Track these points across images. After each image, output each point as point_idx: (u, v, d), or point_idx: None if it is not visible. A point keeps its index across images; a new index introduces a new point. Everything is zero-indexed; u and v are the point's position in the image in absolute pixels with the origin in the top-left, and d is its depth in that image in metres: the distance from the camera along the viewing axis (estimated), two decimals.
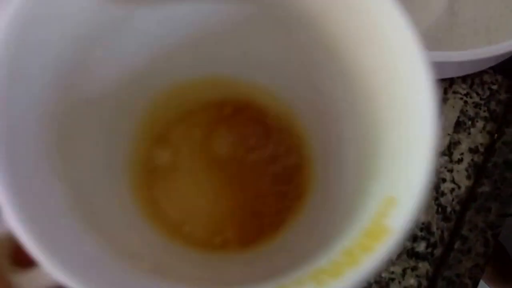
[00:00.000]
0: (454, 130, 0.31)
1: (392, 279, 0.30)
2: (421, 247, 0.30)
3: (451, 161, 0.31)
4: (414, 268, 0.30)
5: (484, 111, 0.31)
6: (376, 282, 0.30)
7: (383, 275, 0.30)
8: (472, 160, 0.31)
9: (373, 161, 0.13)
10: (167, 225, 0.18)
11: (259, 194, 0.19)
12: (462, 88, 0.32)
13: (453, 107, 0.32)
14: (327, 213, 0.16)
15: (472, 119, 0.31)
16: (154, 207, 0.19)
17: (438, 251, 0.30)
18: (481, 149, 0.31)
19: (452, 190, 0.31)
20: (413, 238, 0.30)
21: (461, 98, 0.32)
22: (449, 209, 0.30)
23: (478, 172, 0.31)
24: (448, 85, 0.32)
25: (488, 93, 0.32)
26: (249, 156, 0.20)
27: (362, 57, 0.14)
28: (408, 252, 0.30)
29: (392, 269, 0.30)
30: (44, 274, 0.11)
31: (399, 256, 0.30)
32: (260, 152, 0.20)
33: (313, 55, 0.15)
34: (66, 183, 0.13)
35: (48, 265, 0.11)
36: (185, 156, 0.20)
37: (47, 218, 0.12)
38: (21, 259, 0.12)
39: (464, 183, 0.31)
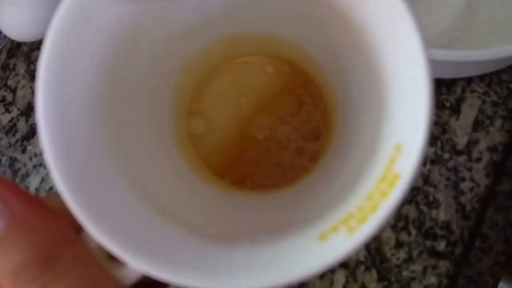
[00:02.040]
0: (472, 129, 0.32)
1: (413, 278, 0.30)
2: (441, 245, 0.30)
3: (470, 160, 0.31)
4: (434, 267, 0.30)
5: (503, 110, 0.32)
6: (397, 280, 0.30)
7: (403, 273, 0.30)
8: (491, 158, 0.31)
9: (384, 110, 0.14)
10: (208, 174, 0.20)
11: (285, 146, 0.20)
12: (480, 87, 0.32)
13: (472, 106, 0.32)
14: (347, 161, 0.17)
15: (490, 118, 0.32)
16: (195, 158, 0.20)
17: (458, 250, 0.30)
18: (500, 148, 0.31)
19: (472, 188, 0.31)
20: (434, 236, 0.30)
21: (479, 97, 0.32)
22: (468, 208, 0.30)
23: (497, 170, 0.31)
24: (466, 84, 0.32)
25: (506, 91, 0.32)
26: (281, 116, 0.21)
27: (372, 24, 0.15)
28: (428, 250, 0.30)
29: (412, 267, 0.30)
30: None
31: (419, 254, 0.30)
32: (290, 108, 0.21)
33: (334, 18, 0.16)
34: (116, 147, 0.14)
35: (90, 229, 0.12)
36: (219, 112, 0.21)
37: (95, 181, 0.13)
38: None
39: (483, 181, 0.31)
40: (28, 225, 0.11)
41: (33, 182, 0.37)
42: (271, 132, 0.21)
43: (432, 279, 0.30)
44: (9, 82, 0.40)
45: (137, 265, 0.11)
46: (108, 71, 0.15)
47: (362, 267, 0.31)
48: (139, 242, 0.12)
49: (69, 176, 0.12)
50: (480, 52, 0.28)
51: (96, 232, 0.11)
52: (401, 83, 0.14)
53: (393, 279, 0.30)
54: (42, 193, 0.37)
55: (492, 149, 0.31)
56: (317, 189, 0.18)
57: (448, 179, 0.31)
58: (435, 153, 0.31)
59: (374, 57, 0.15)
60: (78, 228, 0.12)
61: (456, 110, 0.32)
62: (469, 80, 0.32)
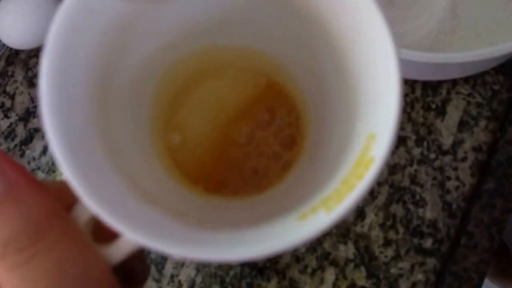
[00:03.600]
0: (457, 129, 0.32)
1: (401, 275, 0.31)
2: (428, 243, 0.31)
3: (455, 159, 0.32)
4: (422, 264, 0.31)
5: (487, 111, 0.32)
6: (385, 277, 0.31)
7: (392, 270, 0.31)
8: (476, 158, 0.32)
9: (357, 107, 0.16)
10: (184, 176, 0.21)
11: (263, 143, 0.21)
12: (465, 89, 0.33)
13: (457, 107, 0.33)
14: (326, 154, 0.18)
15: (475, 118, 0.32)
16: (172, 159, 0.21)
17: (444, 247, 0.31)
18: (485, 148, 0.32)
19: (457, 187, 0.32)
20: (421, 234, 0.31)
21: (464, 99, 0.33)
22: (454, 206, 0.31)
23: (482, 169, 0.32)
24: (451, 86, 0.33)
25: (490, 93, 0.33)
26: (256, 121, 0.22)
27: (343, 29, 0.16)
28: (415, 248, 0.31)
29: (400, 265, 0.31)
30: (125, 242, 0.13)
31: (407, 252, 0.31)
32: (263, 116, 0.22)
33: (309, 28, 0.17)
34: (102, 134, 0.15)
35: (87, 200, 0.12)
36: (196, 121, 0.22)
37: (89, 164, 0.14)
38: (101, 236, 0.13)
39: (469, 180, 0.32)
40: (20, 197, 0.12)
41: None
42: (247, 139, 0.22)
43: (420, 276, 0.31)
44: (8, 89, 0.41)
45: (131, 235, 0.12)
46: (98, 73, 0.16)
47: (351, 265, 0.31)
48: (130, 218, 0.13)
49: (70, 159, 0.13)
50: (464, 55, 0.29)
51: (93, 204, 0.12)
52: (374, 82, 0.14)
53: (381, 276, 0.31)
54: None
55: (477, 149, 0.32)
56: (292, 192, 0.19)
57: (434, 178, 0.32)
58: (422, 153, 0.32)
59: (348, 62, 0.16)
60: (67, 207, 0.13)
61: (441, 111, 0.33)
62: (454, 82, 0.33)
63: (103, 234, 0.13)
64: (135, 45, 0.18)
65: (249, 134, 0.22)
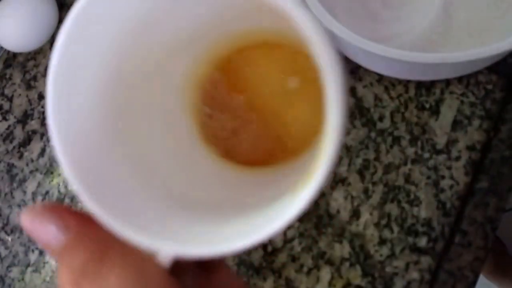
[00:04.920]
0: (451, 129, 0.33)
1: (396, 274, 0.31)
2: (422, 242, 0.31)
3: (449, 158, 0.32)
4: (416, 263, 0.31)
5: (480, 110, 0.33)
6: (380, 276, 0.31)
7: (387, 269, 0.31)
8: (469, 157, 0.32)
9: None
10: (215, 146, 0.22)
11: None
12: (458, 89, 0.33)
13: (450, 107, 0.33)
14: None
15: (468, 118, 0.33)
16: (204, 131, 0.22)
17: (439, 246, 0.31)
18: (478, 147, 0.32)
19: (451, 186, 0.32)
20: (415, 233, 0.31)
21: (458, 98, 0.33)
22: (448, 205, 0.32)
23: (475, 168, 0.32)
24: (445, 86, 0.33)
25: (483, 92, 0.33)
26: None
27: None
28: (410, 247, 0.31)
29: (395, 263, 0.31)
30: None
31: (402, 251, 0.31)
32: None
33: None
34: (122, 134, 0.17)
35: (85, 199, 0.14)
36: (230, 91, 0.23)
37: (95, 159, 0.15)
38: None
39: (463, 179, 0.32)
40: (85, 235, 0.15)
41: (30, 187, 0.38)
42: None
43: (415, 275, 0.31)
44: (6, 91, 0.41)
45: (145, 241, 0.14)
46: (116, 63, 0.16)
47: (347, 264, 0.32)
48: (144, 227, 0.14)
49: (74, 163, 0.14)
50: (457, 55, 0.29)
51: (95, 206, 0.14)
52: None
53: (376, 275, 0.31)
54: (39, 197, 0.38)
55: (470, 148, 0.32)
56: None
57: (428, 177, 0.32)
58: (416, 153, 0.33)
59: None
60: None
61: (435, 111, 0.33)
62: (447, 82, 0.33)
63: None
64: (155, 39, 0.18)
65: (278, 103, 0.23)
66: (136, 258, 0.15)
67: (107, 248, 0.15)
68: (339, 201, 0.33)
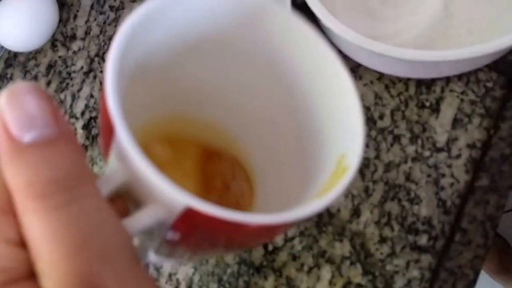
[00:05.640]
0: (452, 127, 0.33)
1: (397, 272, 0.31)
2: (423, 240, 0.31)
3: (449, 156, 0.32)
4: (417, 261, 0.31)
5: (480, 108, 0.33)
6: (381, 274, 0.31)
7: (387, 267, 0.31)
8: (470, 155, 0.32)
9: (324, 140, 0.18)
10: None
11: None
12: (458, 86, 0.33)
13: (450, 105, 0.33)
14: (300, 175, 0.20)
15: (468, 116, 0.33)
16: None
17: (439, 244, 0.31)
18: (478, 145, 0.32)
19: (452, 184, 0.32)
20: (416, 231, 0.31)
21: (458, 96, 0.33)
22: (449, 203, 0.32)
23: (476, 166, 0.32)
24: (445, 84, 0.33)
25: (483, 90, 0.33)
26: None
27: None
28: (411, 245, 0.31)
29: (396, 262, 0.31)
30: (145, 215, 0.14)
31: (402, 249, 0.31)
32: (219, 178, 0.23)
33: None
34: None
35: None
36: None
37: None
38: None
39: (463, 177, 0.32)
40: (72, 140, 0.13)
41: None
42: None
43: (415, 273, 0.31)
44: None
45: None
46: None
47: (347, 262, 0.32)
48: None
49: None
50: (457, 52, 0.29)
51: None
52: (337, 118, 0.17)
53: (377, 273, 0.31)
54: None
55: (471, 146, 0.32)
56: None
57: (429, 175, 0.32)
58: (416, 151, 0.33)
59: (314, 112, 0.18)
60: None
61: (435, 109, 0.33)
62: (447, 80, 0.33)
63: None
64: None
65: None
66: (104, 203, 0.13)
67: (87, 169, 0.13)
68: (339, 199, 0.33)
